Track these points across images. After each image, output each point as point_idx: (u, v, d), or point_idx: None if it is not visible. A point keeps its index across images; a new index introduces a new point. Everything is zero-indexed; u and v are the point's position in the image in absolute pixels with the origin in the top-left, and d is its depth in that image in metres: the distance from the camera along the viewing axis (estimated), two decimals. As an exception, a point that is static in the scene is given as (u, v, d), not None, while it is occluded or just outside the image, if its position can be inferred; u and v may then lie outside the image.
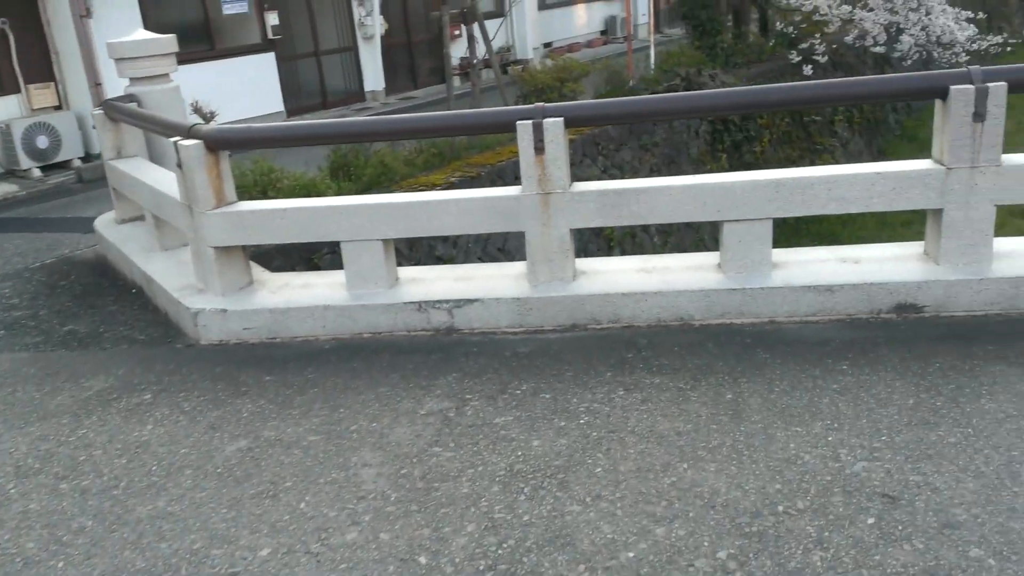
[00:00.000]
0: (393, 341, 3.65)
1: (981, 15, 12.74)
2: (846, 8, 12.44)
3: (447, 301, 3.68)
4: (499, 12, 17.07)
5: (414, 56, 15.95)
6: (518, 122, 3.52)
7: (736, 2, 13.54)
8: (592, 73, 10.79)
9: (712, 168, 11.40)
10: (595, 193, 3.59)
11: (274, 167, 6.08)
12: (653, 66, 12.56)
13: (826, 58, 12.76)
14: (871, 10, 12.27)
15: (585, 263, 3.91)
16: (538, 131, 3.50)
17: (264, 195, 5.84)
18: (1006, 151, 3.31)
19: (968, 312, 3.36)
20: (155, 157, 5.44)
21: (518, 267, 3.90)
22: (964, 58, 12.54)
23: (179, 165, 3.87)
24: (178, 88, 5.47)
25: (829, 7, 12.88)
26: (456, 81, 16.08)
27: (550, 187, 3.57)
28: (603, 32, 22.67)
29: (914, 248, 3.66)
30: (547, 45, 20.23)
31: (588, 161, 9.36)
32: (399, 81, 15.65)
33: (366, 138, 4.18)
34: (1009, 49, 12.73)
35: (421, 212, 3.68)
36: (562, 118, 3.51)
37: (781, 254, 3.72)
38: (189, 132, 3.85)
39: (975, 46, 12.05)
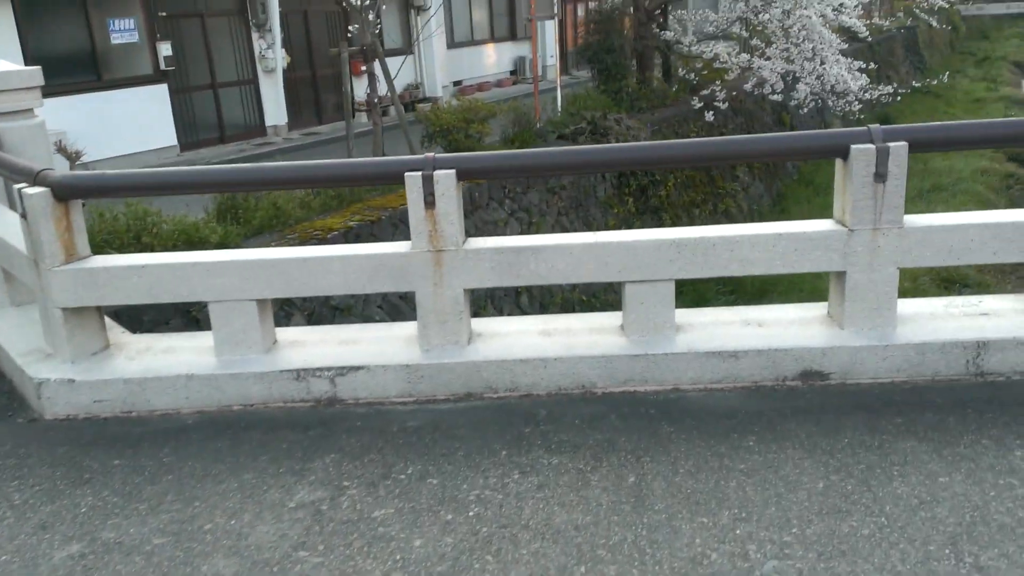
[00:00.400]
0: (267, 415, 3.29)
1: (872, 65, 13.33)
2: (745, 57, 12.80)
3: (329, 369, 3.35)
4: (407, 49, 16.91)
5: (319, 90, 15.57)
6: (406, 174, 3.25)
7: (640, 47, 13.76)
8: (499, 114, 10.68)
9: (619, 211, 11.42)
10: (491, 251, 3.34)
11: (150, 210, 5.62)
12: (560, 109, 12.57)
13: (727, 105, 13.07)
14: (768, 59, 12.67)
15: (482, 324, 3.66)
16: (428, 184, 3.24)
17: (138, 242, 5.38)
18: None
19: (874, 379, 3.25)
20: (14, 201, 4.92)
21: (409, 328, 3.61)
22: (857, 106, 13.10)
23: (23, 215, 3.43)
24: (43, 124, 4.97)
25: (729, 55, 13.25)
26: (364, 118, 15.82)
27: (442, 244, 3.31)
28: (513, 72, 22.86)
29: (818, 310, 3.56)
30: (457, 83, 20.21)
31: (495, 204, 9.18)
32: (303, 116, 15.23)
33: (237, 188, 3.83)
34: (899, 98, 13.34)
35: (300, 270, 3.35)
36: (454, 170, 3.27)
37: (684, 315, 3.57)
38: (36, 178, 3.42)
39: (867, 95, 12.57)
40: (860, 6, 12.91)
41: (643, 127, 11.72)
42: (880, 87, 12.69)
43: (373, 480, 2.74)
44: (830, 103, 13.03)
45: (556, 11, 12.70)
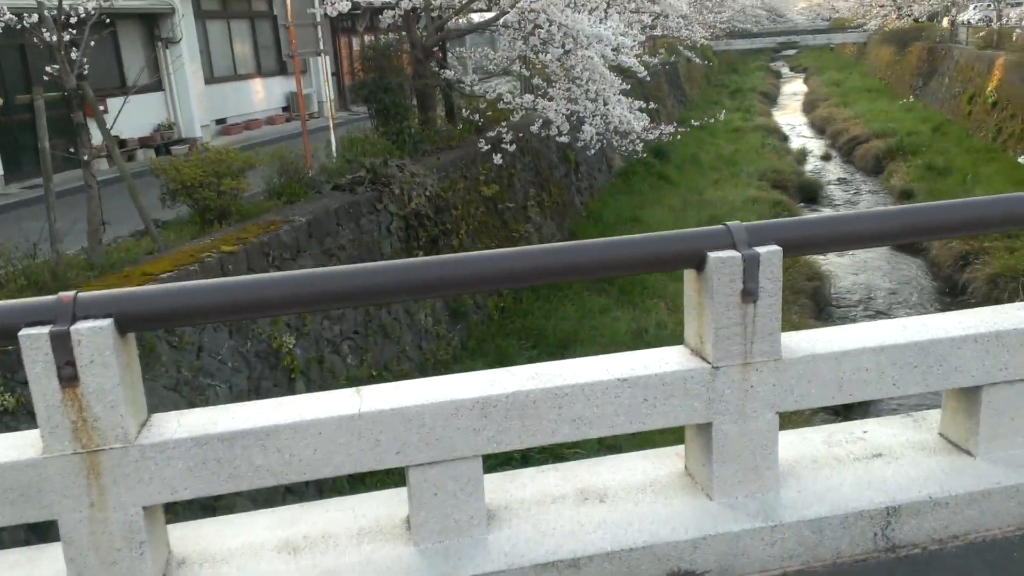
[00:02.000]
0: None
1: (652, 105, 13.28)
2: (529, 97, 12.25)
3: None
4: (153, 85, 14.84)
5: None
6: (21, 333, 1.92)
7: (420, 86, 12.81)
8: (260, 165, 9.19)
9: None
10: (187, 444, 2.07)
11: None
12: (336, 153, 11.27)
13: (514, 146, 12.43)
14: (551, 99, 12.18)
15: (189, 536, 2.35)
16: (63, 347, 1.92)
17: None
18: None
19: (763, 571, 2.33)
20: None
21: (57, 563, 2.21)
22: (639, 145, 12.95)
23: None
24: None
25: (512, 95, 12.66)
26: (103, 164, 13.60)
27: (99, 440, 1.99)
28: (286, 108, 21.19)
29: (673, 463, 2.61)
30: (220, 122, 18.27)
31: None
32: (24, 166, 12.77)
33: None
34: (679, 137, 13.40)
35: None
36: (111, 319, 1.97)
37: (493, 486, 2.48)
38: None
39: (650, 136, 12.43)
40: (636, 46, 12.82)
41: (430, 173, 10.70)
42: (662, 126, 12.62)
43: None
44: (615, 143, 12.79)
45: (321, 46, 11.42)
